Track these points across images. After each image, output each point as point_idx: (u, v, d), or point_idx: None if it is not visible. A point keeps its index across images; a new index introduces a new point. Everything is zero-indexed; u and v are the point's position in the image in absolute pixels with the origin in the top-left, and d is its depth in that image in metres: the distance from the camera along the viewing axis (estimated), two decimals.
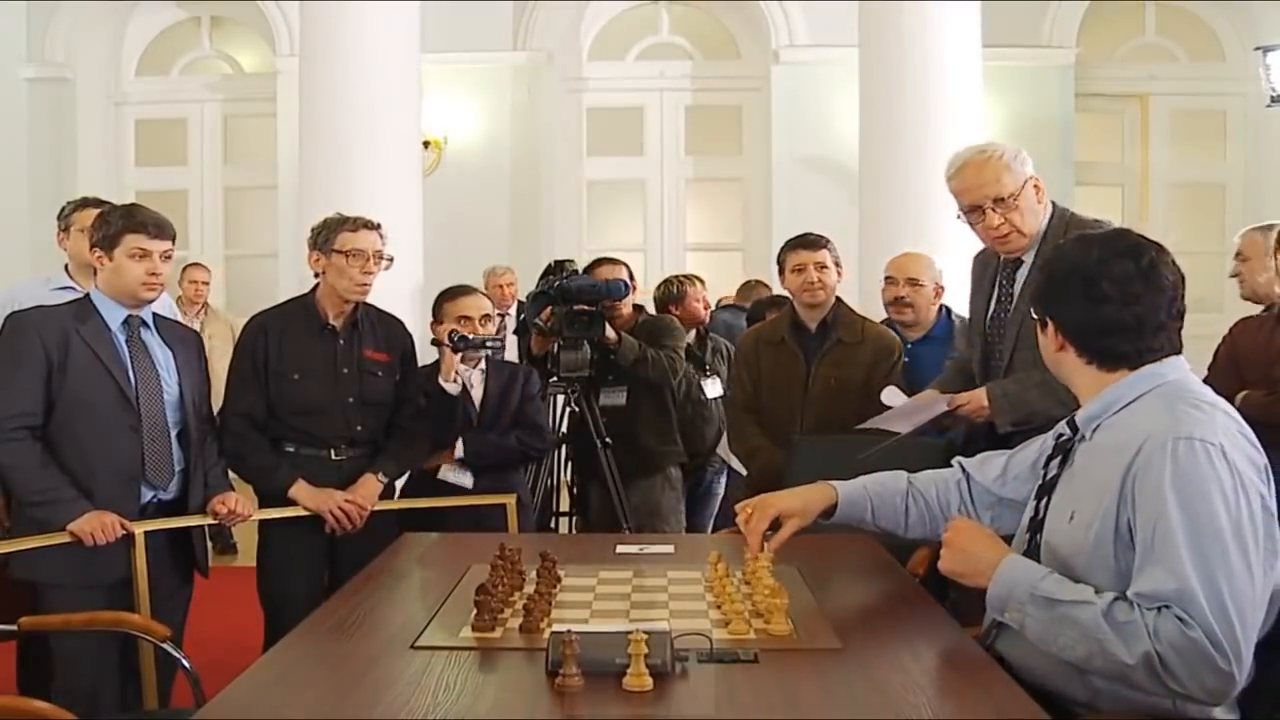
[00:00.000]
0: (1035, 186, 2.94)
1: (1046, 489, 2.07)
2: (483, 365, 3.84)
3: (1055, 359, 2.06)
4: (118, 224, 3.00)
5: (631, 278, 4.48)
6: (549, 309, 4.17)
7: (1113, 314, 1.94)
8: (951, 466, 2.44)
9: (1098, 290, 1.95)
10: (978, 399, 3.02)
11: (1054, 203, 3.00)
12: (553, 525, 4.30)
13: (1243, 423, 1.92)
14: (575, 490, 4.39)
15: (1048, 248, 2.78)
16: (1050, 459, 2.10)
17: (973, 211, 2.95)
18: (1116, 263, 1.96)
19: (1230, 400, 3.34)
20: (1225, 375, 3.55)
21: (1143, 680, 1.73)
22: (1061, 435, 2.10)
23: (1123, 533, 1.84)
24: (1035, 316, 2.08)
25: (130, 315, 3.04)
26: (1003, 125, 8.35)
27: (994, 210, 2.90)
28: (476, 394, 3.80)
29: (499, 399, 3.81)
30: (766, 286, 6.63)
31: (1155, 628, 1.71)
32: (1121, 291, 1.95)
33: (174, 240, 3.09)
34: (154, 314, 3.15)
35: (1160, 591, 1.73)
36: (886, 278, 4.28)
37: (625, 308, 4.39)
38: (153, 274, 3.00)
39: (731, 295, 6.87)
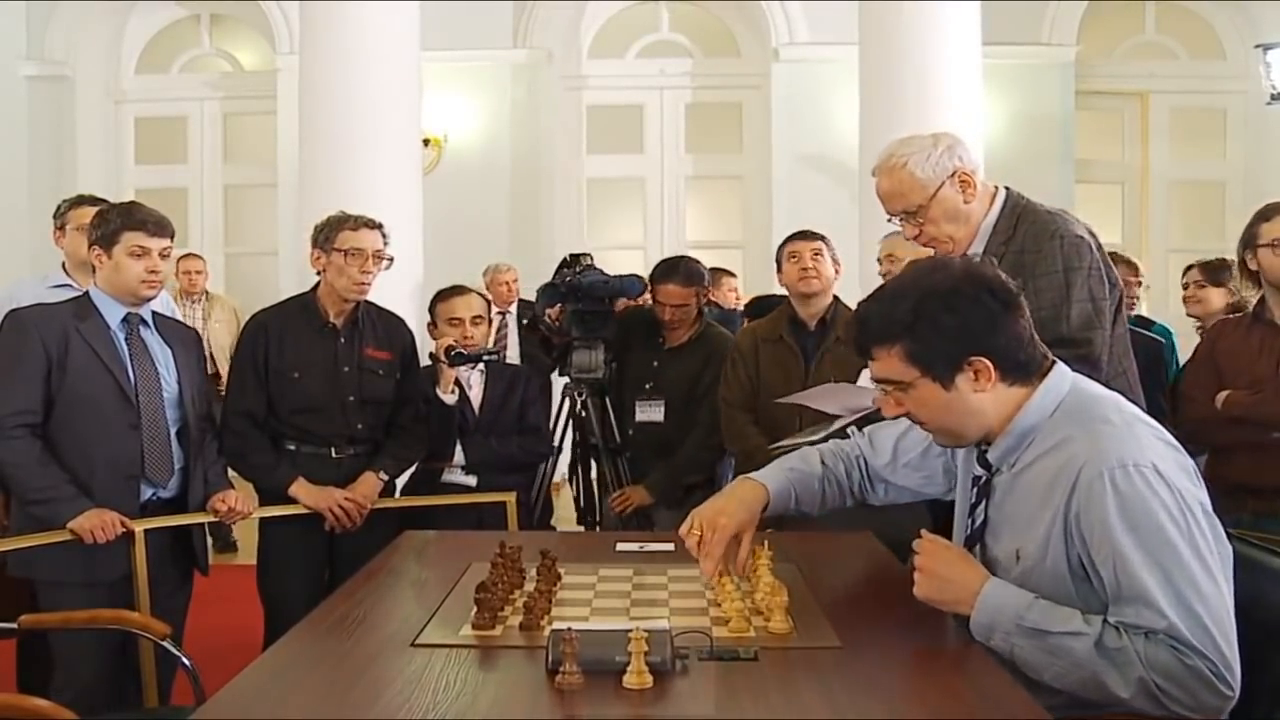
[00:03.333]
0: (963, 181, 2.63)
1: (976, 536, 2.03)
2: (481, 367, 3.83)
3: (971, 404, 1.91)
4: (116, 222, 3.00)
5: (700, 293, 4.14)
6: (559, 306, 4.04)
7: (1025, 315, 1.92)
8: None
9: (1005, 295, 1.90)
10: None
11: (1008, 190, 2.72)
12: (553, 525, 4.26)
13: (1154, 423, 1.90)
14: (587, 497, 4.25)
15: (997, 241, 2.64)
16: (974, 506, 2.05)
17: (893, 219, 2.75)
18: (981, 269, 1.94)
19: (1211, 399, 3.39)
20: (1205, 375, 3.55)
21: (1140, 705, 1.71)
22: (978, 476, 2.04)
23: (1076, 568, 1.82)
24: (934, 377, 1.90)
25: (129, 313, 3.04)
26: (1003, 123, 8.35)
27: (907, 222, 2.69)
28: (475, 395, 3.79)
29: (499, 403, 3.79)
30: (728, 274, 6.64)
31: (1147, 656, 1.70)
32: (1015, 292, 1.92)
33: (173, 238, 3.09)
34: (153, 312, 3.15)
35: (1143, 626, 1.72)
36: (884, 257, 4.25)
37: (686, 316, 4.10)
38: (152, 271, 3.00)
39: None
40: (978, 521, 2.03)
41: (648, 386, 4.10)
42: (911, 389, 1.93)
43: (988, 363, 1.89)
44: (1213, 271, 4.46)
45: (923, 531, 2.02)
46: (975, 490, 2.05)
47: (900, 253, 4.09)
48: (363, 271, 3.37)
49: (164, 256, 3.04)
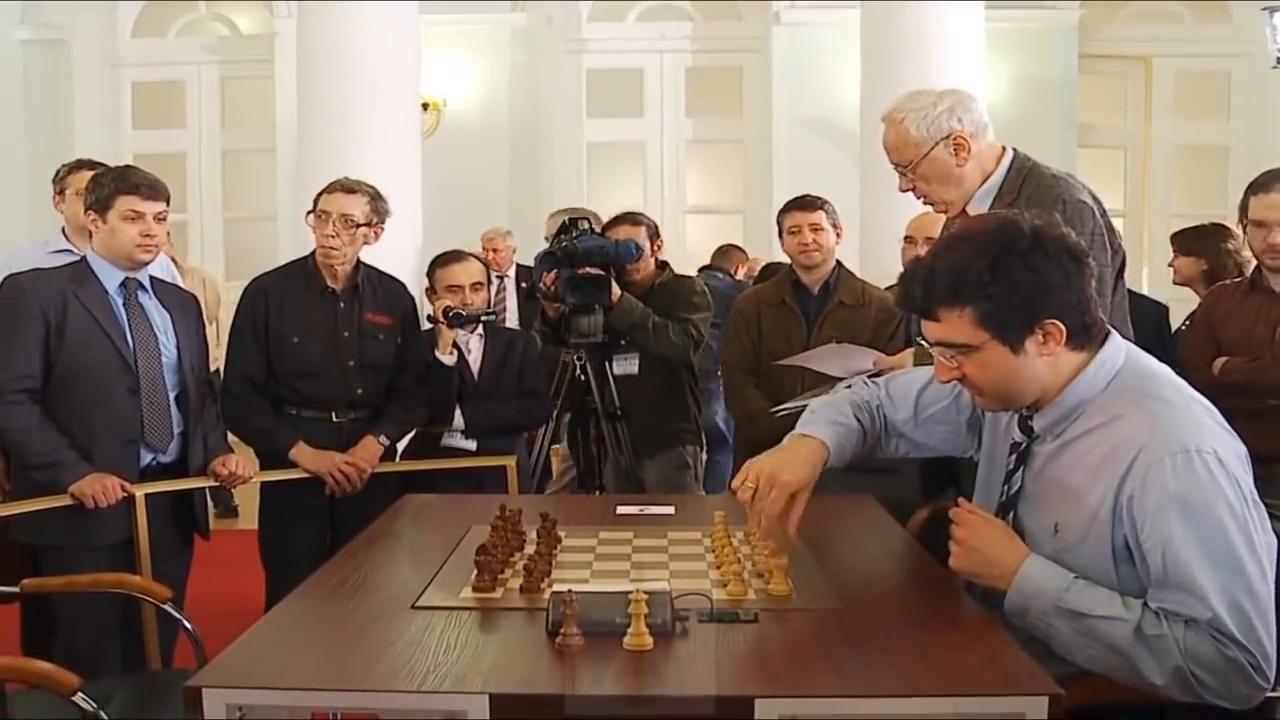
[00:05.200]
0: (957, 144, 2.61)
1: (1010, 504, 1.97)
2: (480, 330, 3.82)
3: (1035, 368, 1.83)
4: (110, 186, 2.98)
5: (656, 235, 4.21)
6: (554, 272, 3.97)
7: (1094, 273, 1.85)
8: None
9: (1078, 252, 1.82)
10: (902, 362, 3.00)
11: (1015, 151, 2.70)
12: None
13: (1209, 404, 1.85)
14: (587, 462, 4.17)
15: (1001, 203, 2.59)
16: (1011, 473, 1.99)
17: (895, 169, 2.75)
18: (1052, 224, 1.84)
19: (1208, 366, 3.39)
20: (1200, 341, 3.56)
21: (1174, 693, 1.69)
22: (1018, 442, 1.98)
23: (1120, 550, 1.78)
24: (1003, 340, 1.81)
25: (128, 278, 3.03)
26: (1005, 86, 8.30)
27: (902, 174, 2.69)
28: (474, 359, 3.78)
29: (498, 365, 3.79)
30: (741, 251, 6.83)
31: (1187, 645, 1.67)
32: (1086, 249, 1.86)
33: (168, 202, 3.06)
34: (151, 277, 3.14)
35: (1185, 615, 1.69)
36: (905, 237, 4.24)
37: (644, 266, 4.12)
38: (146, 235, 2.98)
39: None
40: (1013, 489, 1.97)
41: (623, 343, 4.07)
42: (977, 353, 1.83)
43: (1060, 325, 1.80)
44: (1184, 240, 4.45)
45: (961, 501, 1.96)
46: (1014, 457, 1.99)
47: (920, 235, 4.09)
48: (325, 235, 3.36)
49: (159, 220, 3.01)
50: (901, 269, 4.21)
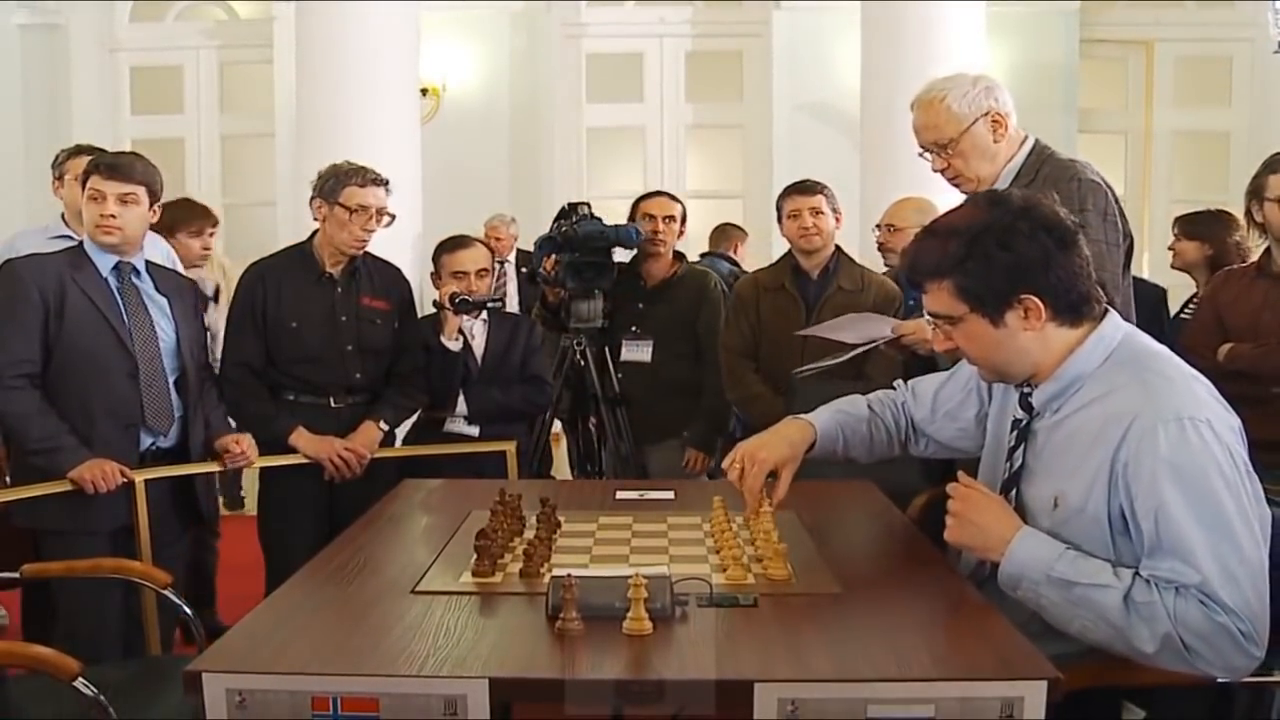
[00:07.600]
0: (995, 121, 2.72)
1: (1013, 480, 2.00)
2: (484, 316, 3.81)
3: (1020, 341, 1.89)
4: (87, 166, 2.98)
5: (684, 219, 4.20)
6: (554, 257, 3.99)
7: (1083, 254, 1.88)
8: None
9: (1061, 233, 1.86)
10: (922, 328, 3.02)
11: (1036, 139, 2.80)
12: (553, 475, 4.24)
13: (1208, 381, 1.87)
14: (586, 446, 4.19)
15: (1020, 184, 2.66)
16: (1012, 450, 2.02)
17: (925, 152, 2.83)
18: (1039, 205, 1.89)
19: (1213, 353, 3.38)
20: (1207, 328, 3.55)
21: (1165, 662, 1.70)
22: (1018, 419, 2.02)
23: (1115, 519, 1.80)
24: (983, 314, 1.89)
25: (120, 262, 3.02)
26: (1006, 71, 8.24)
27: (937, 154, 2.77)
28: (478, 345, 3.78)
29: (501, 352, 3.78)
30: (739, 230, 6.84)
31: (1176, 611, 1.68)
32: (1074, 229, 1.89)
33: (149, 187, 3.00)
34: (147, 261, 3.12)
35: (1176, 581, 1.70)
36: (886, 225, 4.23)
37: (663, 256, 4.13)
38: (105, 216, 2.93)
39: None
40: (1015, 465, 2.01)
41: (634, 329, 4.08)
42: (961, 324, 1.92)
43: (1038, 301, 1.86)
44: (1188, 224, 4.43)
45: (960, 474, 1.99)
46: (1015, 434, 2.03)
47: (900, 222, 4.11)
48: (364, 229, 3.37)
49: (125, 202, 2.95)
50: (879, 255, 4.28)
